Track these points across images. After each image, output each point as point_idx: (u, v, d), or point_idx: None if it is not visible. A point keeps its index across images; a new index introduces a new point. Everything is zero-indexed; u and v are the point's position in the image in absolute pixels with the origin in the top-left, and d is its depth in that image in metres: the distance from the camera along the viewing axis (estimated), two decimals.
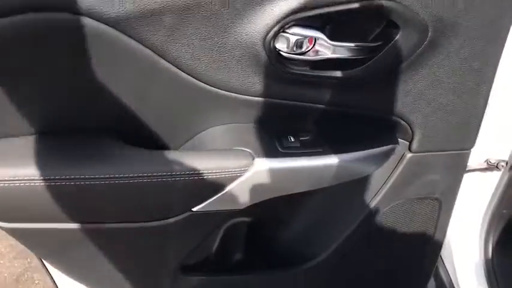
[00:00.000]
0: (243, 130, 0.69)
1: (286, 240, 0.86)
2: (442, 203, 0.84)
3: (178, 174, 0.62)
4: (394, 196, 0.80)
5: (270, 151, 0.66)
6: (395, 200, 0.80)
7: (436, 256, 0.93)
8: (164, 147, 0.68)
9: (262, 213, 0.75)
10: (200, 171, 0.62)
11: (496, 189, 1.01)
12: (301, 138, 0.69)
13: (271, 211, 0.77)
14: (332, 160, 0.68)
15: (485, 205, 1.05)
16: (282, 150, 0.67)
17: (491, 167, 0.98)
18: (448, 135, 0.74)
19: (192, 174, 0.62)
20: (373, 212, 0.80)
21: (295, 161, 0.67)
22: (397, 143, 0.73)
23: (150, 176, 0.61)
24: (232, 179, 0.64)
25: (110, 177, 0.59)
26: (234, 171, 0.64)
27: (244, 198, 0.68)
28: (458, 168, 0.80)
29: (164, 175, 0.61)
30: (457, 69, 0.65)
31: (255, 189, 0.67)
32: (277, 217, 0.85)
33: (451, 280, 1.08)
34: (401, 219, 0.84)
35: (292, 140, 0.69)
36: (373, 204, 0.80)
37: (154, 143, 0.67)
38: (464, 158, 0.79)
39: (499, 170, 0.98)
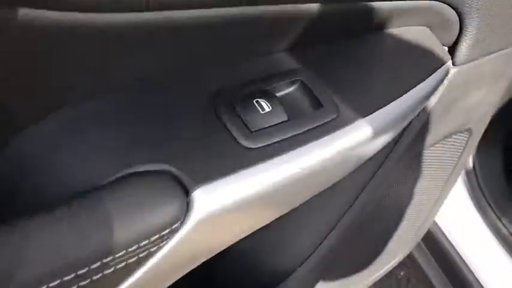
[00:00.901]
0: (139, 109, 0.24)
1: (244, 258, 0.48)
2: (472, 133, 0.52)
3: None
4: (413, 147, 0.45)
5: (227, 153, 0.24)
6: (411, 152, 0.46)
7: (441, 203, 0.64)
8: None
9: None
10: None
11: None
12: (281, 94, 0.28)
13: None
14: (362, 132, 0.29)
15: None
16: (252, 145, 0.25)
17: None
18: (507, 26, 0.42)
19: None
20: (378, 184, 0.45)
21: (287, 161, 0.26)
22: (448, 59, 0.37)
23: None
24: (135, 264, 0.22)
25: None
26: (137, 249, 0.21)
27: (171, 274, 0.27)
28: (505, 73, 0.48)
29: None
30: None
31: (197, 251, 0.26)
32: None
33: None
34: (412, 174, 0.51)
35: (267, 107, 0.26)
36: (385, 167, 0.44)
37: None
38: None
39: None
